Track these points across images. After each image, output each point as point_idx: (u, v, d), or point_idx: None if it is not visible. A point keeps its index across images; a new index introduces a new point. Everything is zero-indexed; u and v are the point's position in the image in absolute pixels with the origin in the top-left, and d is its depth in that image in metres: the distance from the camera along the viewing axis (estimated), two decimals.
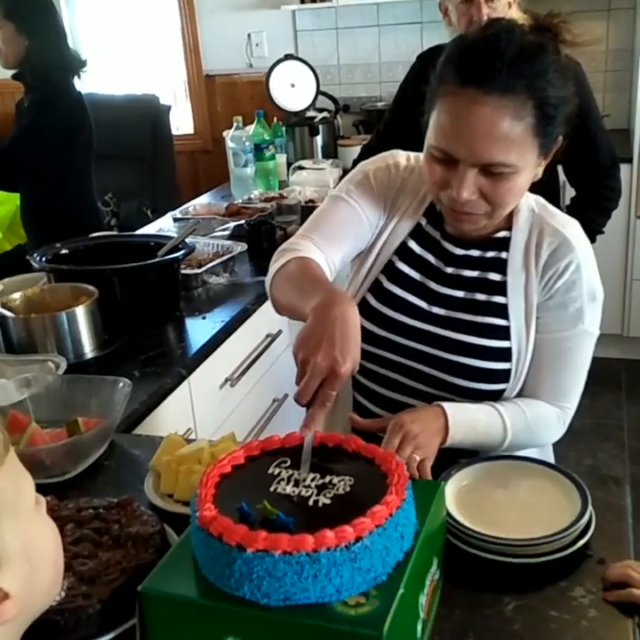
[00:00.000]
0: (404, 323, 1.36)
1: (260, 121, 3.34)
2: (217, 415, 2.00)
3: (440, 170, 1.22)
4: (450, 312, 1.35)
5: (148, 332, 1.92)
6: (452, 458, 1.24)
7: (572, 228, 1.32)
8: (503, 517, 1.11)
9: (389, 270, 1.40)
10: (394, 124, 2.52)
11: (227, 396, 2.04)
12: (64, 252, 2.09)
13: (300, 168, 3.36)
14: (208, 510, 0.86)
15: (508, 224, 1.32)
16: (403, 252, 1.39)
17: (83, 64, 2.96)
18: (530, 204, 1.33)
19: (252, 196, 3.09)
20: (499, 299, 1.33)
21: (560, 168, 2.39)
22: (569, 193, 2.53)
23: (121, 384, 1.42)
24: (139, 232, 2.76)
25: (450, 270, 1.36)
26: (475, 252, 1.35)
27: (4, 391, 1.43)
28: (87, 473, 1.33)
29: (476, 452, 1.32)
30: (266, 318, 2.24)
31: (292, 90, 3.73)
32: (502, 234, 1.33)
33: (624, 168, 2.64)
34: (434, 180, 1.24)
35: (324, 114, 3.79)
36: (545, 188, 1.34)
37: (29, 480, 0.71)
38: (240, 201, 3.02)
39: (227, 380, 2.03)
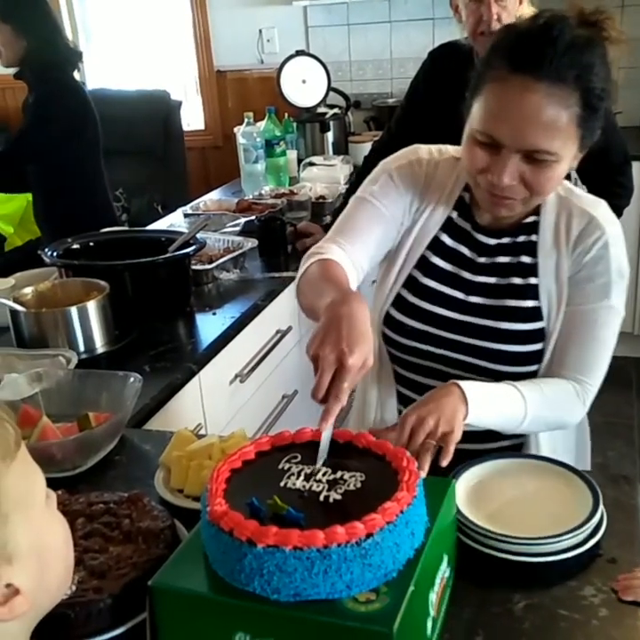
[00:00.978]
0: (443, 315, 1.38)
1: (270, 117, 3.33)
2: (227, 411, 2.00)
3: (482, 154, 1.22)
4: (486, 300, 1.36)
5: (158, 327, 1.92)
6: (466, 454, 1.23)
7: (600, 208, 1.33)
8: (513, 515, 1.11)
9: (424, 265, 1.41)
10: (405, 121, 2.51)
11: (236, 392, 2.05)
12: (75, 247, 2.10)
13: (311, 164, 3.35)
14: (219, 505, 0.86)
15: (537, 209, 1.33)
16: (436, 246, 1.40)
17: (80, 56, 2.97)
18: (556, 189, 1.33)
19: (263, 192, 3.09)
20: (531, 280, 1.34)
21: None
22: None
23: (132, 379, 1.42)
24: (150, 227, 2.76)
25: (483, 259, 1.38)
26: (506, 240, 1.36)
27: (16, 385, 1.43)
28: (98, 468, 1.33)
29: (495, 437, 1.31)
30: (276, 314, 2.24)
31: (303, 86, 3.72)
32: (531, 218, 1.35)
33: (636, 165, 2.62)
34: (474, 164, 1.24)
35: (335, 110, 3.79)
36: None
37: (40, 475, 0.71)
38: (251, 197, 3.02)
39: (237, 376, 2.03)
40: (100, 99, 2.99)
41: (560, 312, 1.33)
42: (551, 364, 1.35)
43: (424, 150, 1.42)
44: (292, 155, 3.48)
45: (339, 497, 0.89)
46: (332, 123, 3.70)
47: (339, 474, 0.93)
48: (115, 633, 0.92)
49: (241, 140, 3.32)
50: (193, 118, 4.81)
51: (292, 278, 2.33)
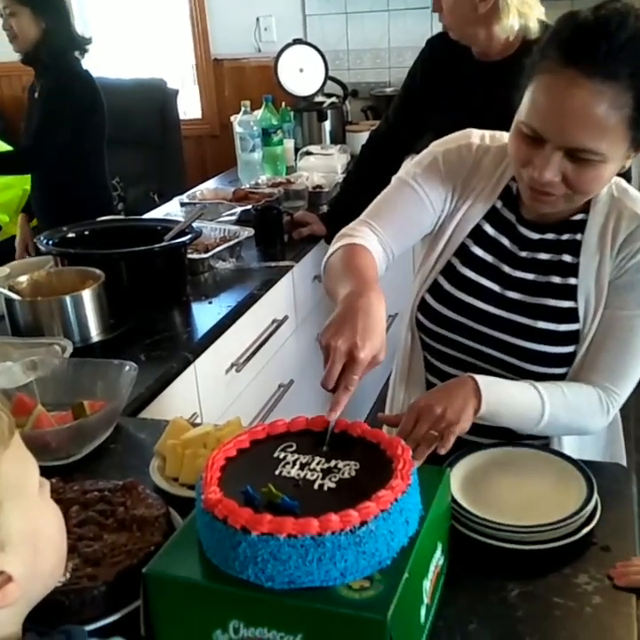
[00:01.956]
0: (478, 307, 1.36)
1: (267, 106, 3.31)
2: (223, 400, 2.00)
3: (526, 147, 1.18)
4: (523, 296, 1.33)
5: (154, 316, 1.92)
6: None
7: None
8: (508, 504, 1.11)
9: (463, 254, 1.38)
10: (403, 110, 2.50)
11: (232, 381, 2.04)
12: (71, 235, 2.09)
13: (308, 153, 3.34)
14: (213, 493, 0.86)
15: (586, 207, 1.29)
16: (477, 235, 1.38)
17: (89, 41, 2.97)
18: (610, 188, 1.29)
19: (260, 181, 3.08)
20: (570, 280, 1.31)
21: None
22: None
23: (127, 367, 1.42)
24: (146, 216, 2.75)
25: (524, 254, 1.35)
26: (550, 236, 1.33)
27: (11, 374, 1.43)
28: (93, 456, 1.33)
29: (508, 434, 1.28)
30: (272, 303, 2.24)
31: (301, 75, 3.70)
32: (579, 216, 1.30)
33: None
34: (518, 155, 1.21)
35: (333, 99, 3.77)
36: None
37: (34, 463, 0.71)
38: (247, 186, 3.01)
39: (232, 365, 2.03)
40: None
41: (597, 316, 1.29)
42: (581, 367, 1.31)
43: (476, 135, 1.38)
44: (289, 144, 3.46)
45: (333, 485, 0.89)
46: (329, 112, 3.68)
47: (333, 462, 0.93)
48: (109, 620, 0.92)
49: (238, 128, 3.30)
50: (190, 107, 4.79)
51: (289, 267, 2.35)
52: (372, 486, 0.86)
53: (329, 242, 1.36)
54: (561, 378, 1.32)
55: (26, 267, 2.03)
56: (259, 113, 3.31)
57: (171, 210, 2.84)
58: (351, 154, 3.34)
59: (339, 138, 3.72)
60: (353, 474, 0.91)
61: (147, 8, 4.84)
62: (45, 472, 0.73)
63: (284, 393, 2.34)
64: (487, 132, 1.38)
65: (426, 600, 0.89)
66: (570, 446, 1.36)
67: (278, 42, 4.03)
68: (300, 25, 4.32)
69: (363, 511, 0.82)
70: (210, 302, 2.04)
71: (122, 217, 2.92)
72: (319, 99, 3.73)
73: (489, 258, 1.37)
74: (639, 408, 3.32)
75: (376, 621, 0.76)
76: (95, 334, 1.77)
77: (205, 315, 1.98)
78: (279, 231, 2.50)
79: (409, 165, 1.41)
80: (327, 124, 3.68)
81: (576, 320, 1.31)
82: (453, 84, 2.32)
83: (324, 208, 2.78)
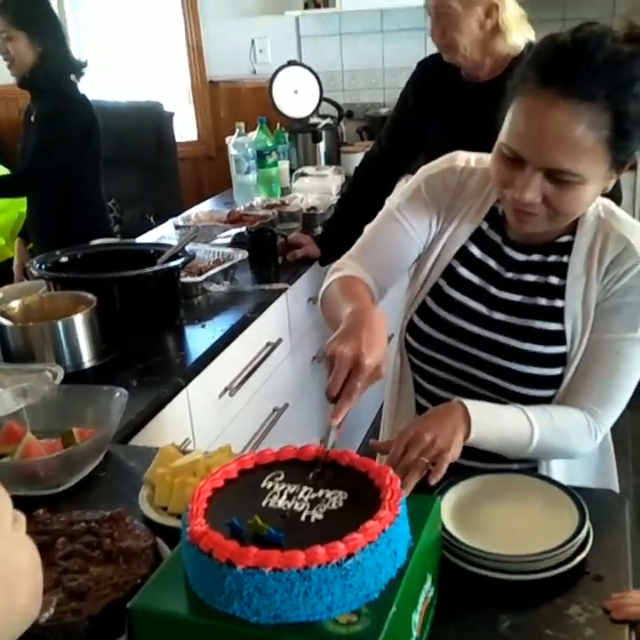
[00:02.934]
0: (465, 328, 1.36)
1: (262, 127, 3.33)
2: (216, 425, 1.99)
3: (506, 168, 1.20)
4: (510, 318, 1.33)
5: (146, 340, 1.91)
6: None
7: (639, 235, 1.28)
8: (499, 532, 1.10)
9: (449, 275, 1.39)
10: (395, 132, 2.51)
11: (226, 406, 2.03)
12: (64, 259, 2.09)
13: (303, 175, 3.35)
14: (198, 525, 0.85)
15: (572, 229, 1.29)
16: (463, 256, 1.38)
17: (85, 65, 2.98)
18: (597, 210, 1.29)
19: (254, 202, 3.08)
20: (557, 302, 1.31)
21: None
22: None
23: (117, 394, 1.41)
24: (139, 240, 2.75)
25: (510, 275, 1.35)
26: (536, 257, 1.33)
27: (1, 401, 1.42)
28: (82, 484, 1.32)
29: (497, 456, 1.28)
30: (266, 326, 2.23)
31: (295, 96, 3.72)
32: (565, 238, 1.31)
33: (626, 175, 2.62)
34: (499, 177, 1.22)
35: (327, 120, 3.78)
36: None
37: (6, 497, 0.69)
38: (242, 208, 3.02)
39: (226, 390, 2.02)
40: None
41: (584, 338, 1.29)
42: (568, 390, 1.30)
43: (462, 158, 1.39)
44: (284, 165, 3.48)
45: (320, 516, 0.88)
46: (324, 133, 3.70)
47: (321, 492, 0.92)
48: None
49: (232, 150, 3.31)
50: (185, 129, 4.81)
51: (283, 290, 2.34)
52: (359, 517, 0.85)
53: (323, 264, 1.37)
54: (548, 400, 1.32)
55: (19, 291, 2.03)
56: (253, 134, 3.32)
57: (165, 232, 2.84)
58: (346, 175, 3.35)
59: (333, 159, 3.73)
60: (340, 504, 0.90)
61: (142, 31, 4.87)
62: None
63: (279, 416, 2.33)
64: (473, 155, 1.39)
65: (415, 633, 0.88)
66: (559, 472, 1.35)
67: (273, 63, 4.04)
68: (295, 46, 4.35)
69: (349, 543, 0.80)
70: (203, 326, 2.03)
71: (115, 240, 2.92)
72: (314, 120, 3.75)
73: (475, 279, 1.37)
74: (636, 428, 3.31)
75: None
76: (87, 360, 1.76)
77: (198, 339, 1.97)
78: (273, 253, 2.50)
79: (396, 195, 1.44)
80: (322, 145, 3.70)
81: (563, 342, 1.30)
82: (445, 104, 2.34)
83: (319, 230, 2.79)
